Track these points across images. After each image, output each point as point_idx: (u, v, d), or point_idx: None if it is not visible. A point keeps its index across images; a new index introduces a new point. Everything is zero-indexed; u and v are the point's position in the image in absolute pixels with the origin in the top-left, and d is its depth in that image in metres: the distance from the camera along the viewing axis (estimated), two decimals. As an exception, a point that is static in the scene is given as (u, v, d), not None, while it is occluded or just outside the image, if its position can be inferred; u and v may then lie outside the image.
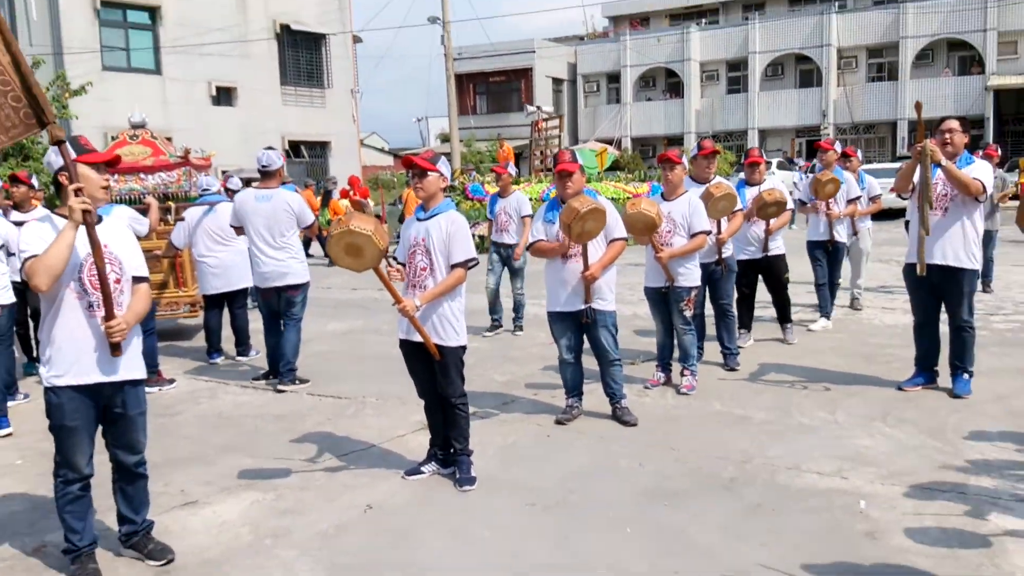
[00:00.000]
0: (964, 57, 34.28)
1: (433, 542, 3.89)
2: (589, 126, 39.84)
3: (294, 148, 24.85)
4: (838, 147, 8.62)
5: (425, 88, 68.94)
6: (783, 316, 7.75)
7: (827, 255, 8.12)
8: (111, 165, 3.66)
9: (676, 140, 37.50)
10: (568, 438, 5.28)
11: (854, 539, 3.74)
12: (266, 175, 6.79)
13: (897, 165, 10.31)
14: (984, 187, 5.49)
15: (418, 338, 4.41)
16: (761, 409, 5.72)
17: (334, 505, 4.33)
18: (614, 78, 40.53)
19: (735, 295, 7.13)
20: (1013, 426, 5.17)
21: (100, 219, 3.65)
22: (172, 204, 9.00)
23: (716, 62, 38.54)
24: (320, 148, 26.81)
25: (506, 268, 8.63)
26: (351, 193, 16.77)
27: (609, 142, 32.77)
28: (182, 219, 8.05)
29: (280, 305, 6.83)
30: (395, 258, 4.61)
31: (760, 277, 7.59)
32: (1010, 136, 33.20)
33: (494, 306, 8.74)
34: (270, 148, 7.02)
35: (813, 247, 8.18)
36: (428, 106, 64.99)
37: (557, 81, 40.83)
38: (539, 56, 39.34)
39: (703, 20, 41.10)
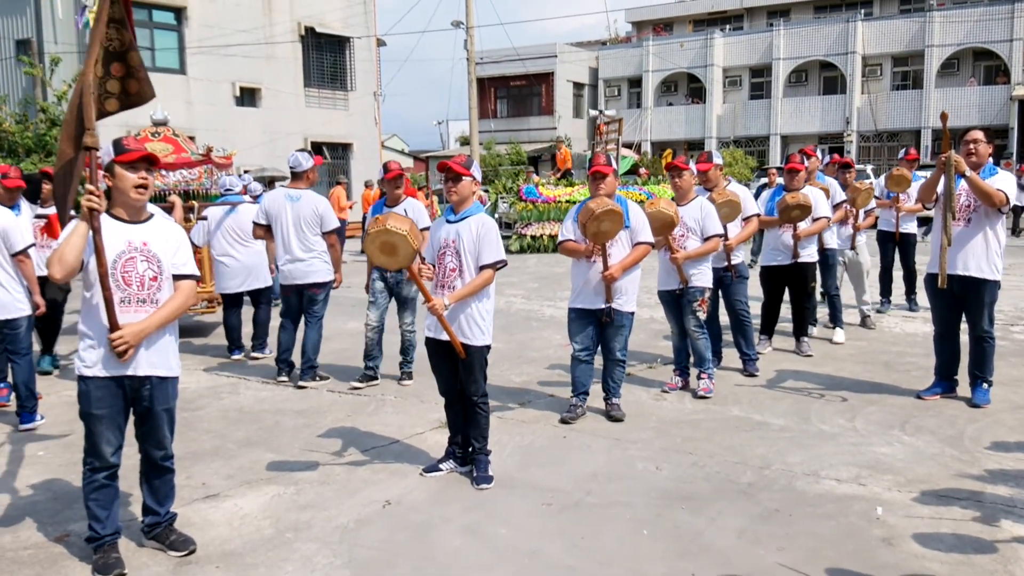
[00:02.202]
0: (990, 67, 33.93)
1: (451, 538, 3.93)
2: (609, 130, 39.80)
3: (316, 149, 24.98)
4: (820, 154, 8.47)
5: (446, 91, 69.10)
6: (799, 328, 7.58)
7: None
8: (151, 164, 3.70)
9: (697, 145, 37.40)
10: (584, 440, 5.31)
11: (870, 545, 3.74)
12: (295, 176, 6.94)
13: (922, 174, 10.14)
14: (1007, 198, 5.47)
15: (445, 337, 4.48)
16: (779, 415, 5.73)
17: (354, 500, 4.38)
18: (635, 83, 40.49)
19: (747, 301, 6.94)
20: (1033, 436, 5.15)
21: (151, 216, 3.73)
22: (195, 203, 9.09)
23: (739, 68, 38.39)
24: (342, 150, 26.95)
25: (393, 299, 6.85)
26: None
27: (629, 146, 32.72)
28: (204, 218, 8.16)
29: (302, 303, 6.92)
30: (423, 257, 4.70)
31: (787, 286, 7.48)
32: (1035, 147, 32.85)
33: (372, 351, 6.77)
34: (302, 150, 7.13)
35: None
36: (449, 109, 65.42)
37: (578, 86, 40.81)
38: (561, 61, 39.35)
39: (727, 26, 40.98)
